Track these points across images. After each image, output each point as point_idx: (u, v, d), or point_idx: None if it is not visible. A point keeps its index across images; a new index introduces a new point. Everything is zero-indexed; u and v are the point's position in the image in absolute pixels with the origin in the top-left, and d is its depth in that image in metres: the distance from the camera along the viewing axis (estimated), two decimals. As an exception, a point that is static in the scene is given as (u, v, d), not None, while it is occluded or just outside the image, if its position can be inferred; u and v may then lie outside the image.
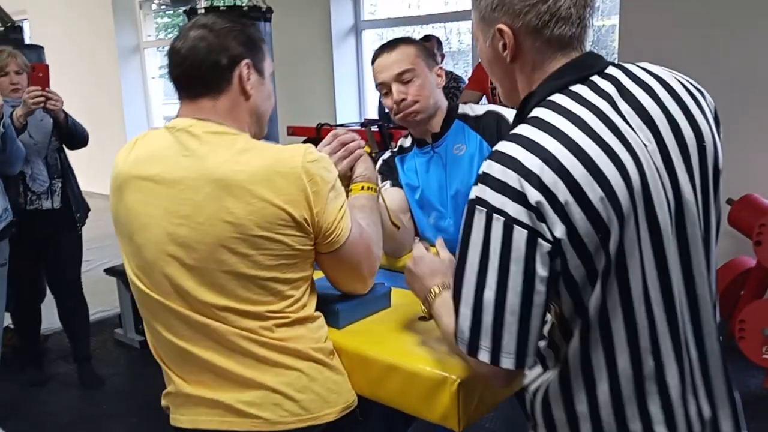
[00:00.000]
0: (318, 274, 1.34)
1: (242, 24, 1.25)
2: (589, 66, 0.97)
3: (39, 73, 2.73)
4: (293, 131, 4.30)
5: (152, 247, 1.17)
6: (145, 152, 1.21)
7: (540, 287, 0.87)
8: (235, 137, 1.18)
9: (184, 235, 1.14)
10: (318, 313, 1.28)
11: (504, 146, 0.90)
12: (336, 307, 1.37)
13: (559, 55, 0.96)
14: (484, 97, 3.80)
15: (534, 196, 0.85)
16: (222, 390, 1.19)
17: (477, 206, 0.89)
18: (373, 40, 5.56)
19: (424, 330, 1.37)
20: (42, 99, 2.68)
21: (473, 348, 0.92)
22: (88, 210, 3.12)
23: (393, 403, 1.28)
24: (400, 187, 1.85)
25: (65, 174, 2.97)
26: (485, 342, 0.91)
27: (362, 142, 1.48)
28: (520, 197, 0.85)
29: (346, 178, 1.43)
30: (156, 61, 6.84)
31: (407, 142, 1.92)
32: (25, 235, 2.80)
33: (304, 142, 4.22)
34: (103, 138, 4.34)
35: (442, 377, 1.17)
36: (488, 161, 0.90)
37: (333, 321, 1.37)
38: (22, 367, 3.21)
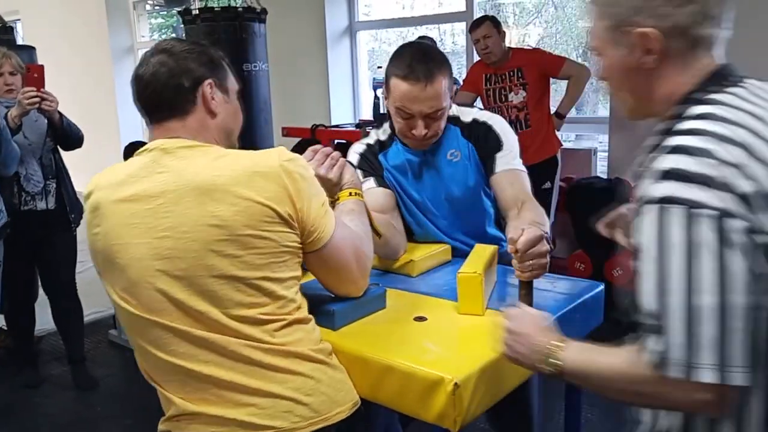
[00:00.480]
0: (310, 276, 1.35)
1: (201, 46, 1.29)
2: (735, 71, 0.96)
3: (34, 74, 2.73)
4: (287, 132, 4.30)
5: (136, 265, 1.16)
6: (119, 177, 1.21)
7: (764, 285, 0.80)
8: (208, 148, 1.21)
9: (170, 247, 1.14)
10: (310, 316, 1.28)
11: (687, 140, 0.85)
12: (331, 308, 1.37)
13: (706, 56, 0.94)
14: (479, 98, 3.80)
15: (742, 186, 0.80)
16: (229, 404, 1.17)
17: (669, 205, 0.81)
18: (367, 41, 5.57)
19: (420, 331, 1.38)
20: (37, 100, 2.67)
21: (688, 369, 0.80)
22: (83, 211, 3.11)
23: (390, 404, 1.29)
24: (385, 185, 1.81)
25: (60, 174, 2.96)
26: (707, 358, 0.79)
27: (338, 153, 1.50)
28: (727, 188, 0.79)
29: (335, 186, 1.46)
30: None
31: (384, 135, 1.86)
32: (19, 236, 2.79)
33: (299, 143, 4.26)
34: (97, 138, 4.32)
35: (438, 377, 1.17)
36: (671, 157, 0.84)
37: (328, 322, 1.38)
38: (16, 368, 3.19)
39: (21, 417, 2.91)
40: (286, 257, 1.20)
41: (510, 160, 1.75)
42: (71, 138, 2.95)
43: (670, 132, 0.90)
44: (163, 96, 1.22)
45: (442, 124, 1.71)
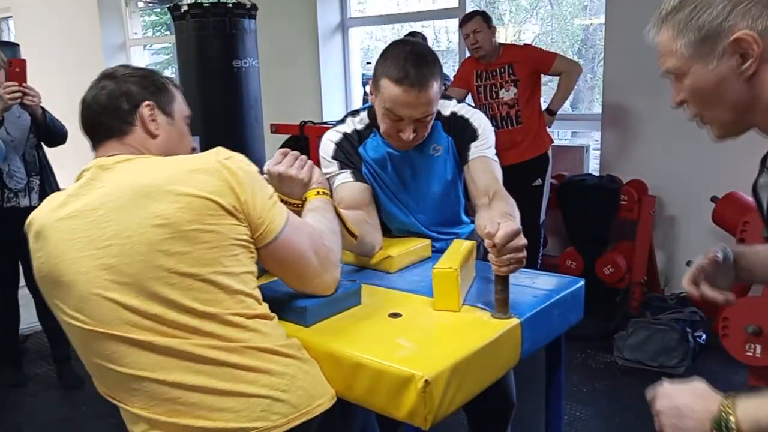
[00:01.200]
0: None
1: (149, 71, 1.32)
2: None
3: (16, 68, 2.69)
4: (276, 129, 4.27)
5: (83, 278, 1.13)
6: (59, 200, 1.21)
7: None
8: (147, 158, 1.23)
9: (115, 254, 1.12)
10: (273, 314, 1.25)
11: None
12: (303, 304, 1.35)
13: None
14: (470, 95, 3.77)
15: None
16: (201, 413, 1.13)
17: None
18: (361, 38, 5.54)
19: (394, 327, 1.35)
20: (19, 95, 2.64)
21: None
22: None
23: (361, 402, 1.26)
24: (362, 179, 1.77)
25: (43, 171, 2.93)
26: None
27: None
28: None
29: (305, 186, 1.46)
30: (142, 60, 6.78)
31: (361, 125, 1.80)
32: (1, 233, 2.76)
33: (288, 139, 4.24)
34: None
35: (408, 374, 1.15)
36: None
37: (300, 319, 1.35)
38: (1, 367, 3.16)
39: (5, 416, 2.89)
40: (237, 251, 1.17)
41: (483, 149, 1.74)
42: (55, 134, 2.92)
43: None
44: (101, 118, 1.25)
45: (429, 126, 1.68)
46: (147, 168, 1.19)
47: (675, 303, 3.33)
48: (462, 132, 1.75)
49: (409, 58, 1.57)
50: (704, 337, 3.10)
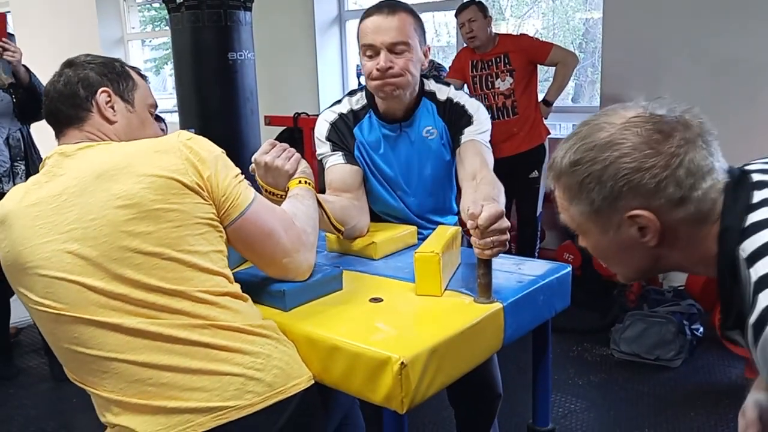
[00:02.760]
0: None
1: (111, 59, 1.33)
2: (740, 175, 0.87)
3: None
4: (270, 121, 4.24)
5: (47, 263, 1.12)
6: (23, 189, 1.21)
7: None
8: (108, 144, 1.23)
9: (78, 238, 1.11)
10: (246, 295, 1.24)
11: None
12: (282, 288, 1.32)
13: (715, 194, 0.85)
14: (465, 86, 3.74)
15: None
16: (172, 394, 1.11)
17: None
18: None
19: (373, 312, 1.32)
20: None
21: None
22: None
23: (338, 386, 1.24)
24: (353, 161, 1.76)
25: (29, 156, 2.87)
26: None
27: None
28: None
29: (289, 177, 1.46)
30: (141, 54, 6.77)
31: (357, 105, 1.79)
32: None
33: (282, 132, 4.21)
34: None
35: (384, 357, 1.12)
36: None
37: (280, 303, 1.33)
38: (-8, 359, 3.15)
39: (-5, 408, 2.87)
40: (203, 230, 1.16)
41: (476, 134, 1.73)
42: (40, 99, 2.85)
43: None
44: (58, 104, 1.26)
45: (411, 67, 1.65)
46: (108, 152, 1.18)
47: (672, 296, 3.30)
48: (457, 118, 1.75)
49: (383, 1, 1.66)
50: (701, 329, 3.07)
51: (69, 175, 1.16)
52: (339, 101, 1.83)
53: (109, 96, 1.27)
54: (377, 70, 1.62)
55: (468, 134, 1.72)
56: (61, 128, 1.27)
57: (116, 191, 1.11)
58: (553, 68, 3.61)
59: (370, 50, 1.64)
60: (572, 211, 0.90)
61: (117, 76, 1.30)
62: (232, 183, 1.20)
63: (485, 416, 1.83)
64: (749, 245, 0.80)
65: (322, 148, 1.77)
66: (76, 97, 1.25)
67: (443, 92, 1.77)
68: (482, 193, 1.50)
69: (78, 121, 1.25)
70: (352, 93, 1.83)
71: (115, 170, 1.13)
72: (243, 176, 1.25)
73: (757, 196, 0.84)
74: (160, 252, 1.11)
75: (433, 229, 1.60)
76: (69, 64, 1.29)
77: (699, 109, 0.88)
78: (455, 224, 1.84)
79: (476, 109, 1.75)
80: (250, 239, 1.25)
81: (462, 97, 1.77)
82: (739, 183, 0.86)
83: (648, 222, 0.84)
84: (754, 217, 0.82)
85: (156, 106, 1.38)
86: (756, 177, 0.87)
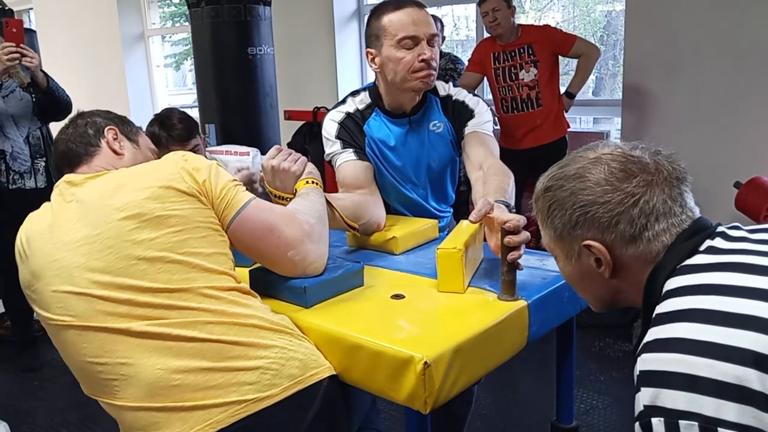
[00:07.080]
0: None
1: (114, 114, 1.44)
2: (705, 225, 0.88)
3: (12, 29, 2.61)
4: (290, 115, 4.24)
5: (57, 280, 1.17)
6: (36, 216, 1.31)
7: None
8: (114, 171, 1.30)
9: (84, 253, 1.16)
10: (255, 293, 1.25)
11: (674, 330, 0.73)
12: (303, 285, 1.31)
13: (667, 238, 0.86)
14: (485, 80, 3.70)
15: (757, 379, 0.66)
16: (188, 393, 1.11)
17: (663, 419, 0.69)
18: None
19: (395, 309, 1.31)
20: (17, 55, 2.59)
21: None
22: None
23: (360, 384, 1.22)
24: (365, 158, 1.75)
25: (49, 152, 2.90)
26: None
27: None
28: (742, 394, 0.66)
29: (297, 179, 1.49)
30: (161, 50, 6.80)
31: (362, 104, 1.79)
32: (10, 216, 2.76)
33: (302, 126, 4.20)
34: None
35: (407, 356, 1.10)
36: (654, 356, 0.73)
37: (301, 300, 1.32)
38: (16, 352, 3.19)
39: (20, 400, 2.91)
40: (204, 233, 1.20)
41: (479, 126, 1.75)
42: (59, 102, 2.85)
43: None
44: (70, 145, 1.35)
45: (438, 57, 1.68)
46: (110, 176, 1.27)
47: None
48: (460, 114, 1.77)
49: None
50: None
51: (77, 201, 1.23)
52: (343, 101, 1.84)
53: (116, 134, 1.39)
54: (423, 61, 1.62)
55: (471, 126, 1.75)
56: (72, 168, 1.34)
57: (118, 204, 1.18)
58: (574, 61, 3.56)
59: (410, 42, 1.62)
60: (543, 234, 0.96)
61: (121, 120, 1.42)
62: (228, 185, 1.25)
63: (455, 422, 1.84)
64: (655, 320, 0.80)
65: (332, 146, 1.77)
66: (86, 135, 1.36)
67: (443, 88, 1.80)
68: (492, 186, 1.51)
69: (88, 157, 1.34)
70: (354, 93, 1.84)
71: (116, 188, 1.21)
72: (239, 182, 1.29)
73: (696, 259, 0.84)
74: (163, 256, 1.15)
75: (445, 218, 1.60)
76: (79, 115, 1.41)
77: (678, 156, 0.92)
78: (450, 212, 1.93)
79: (476, 103, 1.78)
80: (251, 237, 1.26)
81: (460, 93, 1.79)
82: (694, 236, 0.87)
83: (599, 253, 0.88)
84: (670, 284, 0.82)
85: (158, 155, 1.44)
86: (716, 240, 0.86)
